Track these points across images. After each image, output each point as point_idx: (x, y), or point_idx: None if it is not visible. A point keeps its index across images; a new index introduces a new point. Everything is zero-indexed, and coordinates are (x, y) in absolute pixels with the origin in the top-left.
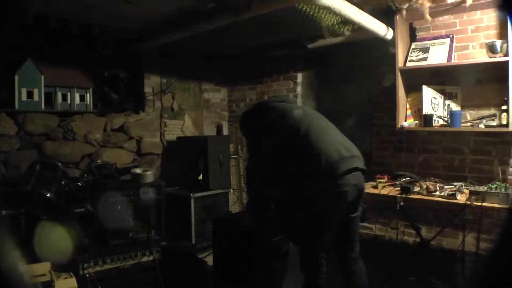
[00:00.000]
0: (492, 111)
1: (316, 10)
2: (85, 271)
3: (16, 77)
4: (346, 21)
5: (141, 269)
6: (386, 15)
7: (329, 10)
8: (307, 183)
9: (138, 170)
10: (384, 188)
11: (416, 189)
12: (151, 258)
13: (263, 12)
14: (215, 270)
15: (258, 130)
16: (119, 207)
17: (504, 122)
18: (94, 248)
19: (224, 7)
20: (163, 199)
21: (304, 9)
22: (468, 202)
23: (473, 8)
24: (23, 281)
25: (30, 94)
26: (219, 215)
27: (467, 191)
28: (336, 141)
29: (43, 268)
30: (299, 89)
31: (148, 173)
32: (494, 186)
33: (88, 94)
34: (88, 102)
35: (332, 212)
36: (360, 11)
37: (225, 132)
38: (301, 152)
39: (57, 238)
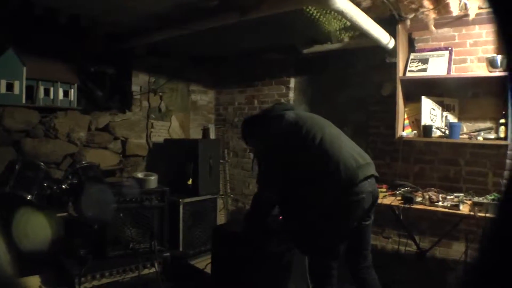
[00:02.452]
0: (488, 124)
1: (324, 14)
2: (82, 286)
3: None
4: (348, 28)
5: (142, 282)
6: (387, 25)
7: (341, 14)
8: (324, 191)
9: (140, 175)
10: (385, 197)
11: (418, 199)
12: (152, 270)
13: (273, 12)
14: (214, 281)
15: (269, 140)
16: (121, 215)
17: (502, 135)
18: (91, 260)
19: (229, 5)
20: (166, 206)
21: (311, 12)
22: (471, 213)
23: (472, 22)
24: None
25: (10, 87)
26: (211, 222)
27: (469, 202)
28: (350, 149)
29: (31, 282)
30: (291, 94)
31: (152, 178)
32: (491, 197)
33: (72, 90)
34: (72, 98)
35: (349, 220)
36: (368, 18)
37: (212, 135)
38: (318, 160)
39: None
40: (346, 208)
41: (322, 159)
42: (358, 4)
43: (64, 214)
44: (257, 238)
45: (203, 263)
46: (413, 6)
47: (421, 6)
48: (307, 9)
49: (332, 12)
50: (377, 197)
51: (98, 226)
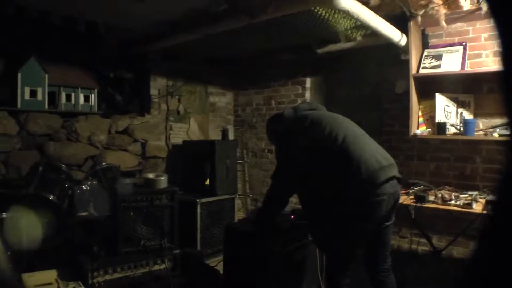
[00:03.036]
0: (505, 120)
1: (332, 14)
2: (95, 280)
3: (19, 75)
4: (359, 26)
5: (153, 278)
6: (399, 21)
7: (348, 14)
8: (346, 192)
9: (151, 175)
10: None
11: (431, 197)
12: (163, 266)
13: (280, 15)
14: (226, 279)
15: (292, 138)
16: (131, 214)
17: None
18: (103, 256)
19: (238, 9)
20: (176, 206)
21: (319, 13)
22: (484, 212)
23: (486, 16)
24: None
25: (33, 93)
26: (229, 221)
27: (482, 201)
28: (373, 149)
29: (49, 276)
30: (307, 94)
31: (162, 178)
32: None
33: (92, 95)
34: (92, 103)
35: (369, 221)
36: (377, 16)
37: (231, 136)
38: (340, 161)
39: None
40: (367, 209)
41: (344, 158)
42: (366, 3)
43: (85, 213)
44: (264, 236)
45: (221, 262)
46: (422, 2)
47: (431, 1)
48: (315, 10)
49: (339, 12)
50: (398, 199)
51: (111, 224)
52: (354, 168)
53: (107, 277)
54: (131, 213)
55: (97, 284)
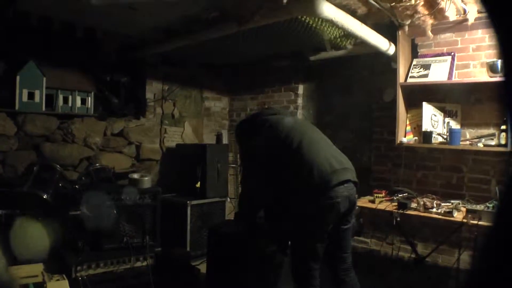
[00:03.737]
0: (491, 130)
1: (319, 23)
2: (78, 274)
3: (18, 77)
4: (348, 35)
5: (134, 274)
6: (389, 30)
7: (332, 23)
8: (299, 194)
9: (135, 175)
10: (381, 202)
11: (413, 205)
12: (144, 263)
13: (266, 23)
14: (207, 278)
15: (251, 141)
16: (115, 211)
17: (503, 142)
18: (87, 251)
19: (228, 17)
20: (159, 205)
21: (307, 21)
22: (464, 220)
23: (475, 27)
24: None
25: (31, 95)
26: (214, 223)
27: (464, 209)
28: (328, 154)
29: (35, 269)
30: (299, 100)
31: (146, 178)
32: (491, 205)
33: (89, 98)
34: (89, 106)
35: (323, 222)
36: (363, 25)
37: (225, 141)
38: (294, 164)
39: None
40: (320, 211)
41: (298, 162)
42: (353, 12)
43: (78, 212)
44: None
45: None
46: (408, 12)
47: (416, 12)
48: (302, 18)
49: (326, 21)
50: (354, 202)
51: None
52: (306, 171)
53: (91, 271)
54: (115, 211)
55: (80, 278)
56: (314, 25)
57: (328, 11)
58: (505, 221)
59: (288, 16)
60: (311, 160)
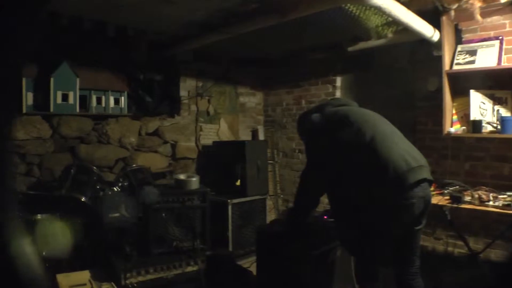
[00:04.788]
0: None
1: (363, 10)
2: (127, 281)
3: (52, 80)
4: (391, 23)
5: (185, 279)
6: (431, 16)
7: (379, 10)
8: (372, 194)
9: (182, 176)
10: (432, 196)
11: (467, 198)
12: (195, 268)
13: (311, 12)
14: (259, 281)
15: (318, 134)
16: (163, 215)
17: None
18: (136, 257)
19: (268, 8)
20: (208, 206)
21: (350, 9)
22: None
23: None
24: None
25: (65, 97)
26: (260, 222)
27: None
28: (402, 149)
29: (82, 277)
30: (338, 93)
31: (193, 179)
32: None
33: (122, 97)
34: (122, 106)
35: (397, 225)
36: (409, 11)
37: (261, 137)
38: (367, 160)
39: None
40: (394, 213)
41: (371, 159)
42: None
43: (117, 215)
44: (296, 237)
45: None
46: None
47: None
48: (346, 7)
49: (371, 8)
50: (429, 203)
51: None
52: (381, 170)
53: (140, 278)
54: (163, 214)
55: (130, 285)
56: (357, 13)
57: None
58: None
59: (335, 4)
60: (386, 156)
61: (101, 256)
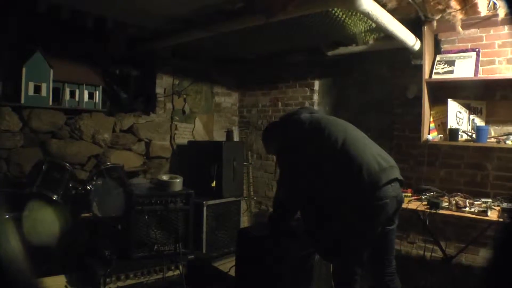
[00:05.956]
0: None
1: (349, 16)
2: (106, 287)
3: (24, 69)
4: (373, 29)
5: (166, 284)
6: (412, 25)
7: (367, 16)
8: (347, 196)
9: (165, 177)
10: (411, 202)
11: (444, 204)
12: (176, 272)
13: (298, 14)
14: (238, 284)
15: (289, 142)
16: (146, 217)
17: None
18: (116, 261)
19: (254, 8)
20: (192, 209)
21: (337, 14)
22: (500, 219)
23: (501, 22)
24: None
25: (37, 89)
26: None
27: (497, 208)
28: (373, 152)
29: (57, 281)
30: (315, 97)
31: (177, 180)
32: None
33: (97, 92)
34: (97, 100)
35: (372, 225)
36: (394, 19)
37: (235, 138)
38: (340, 164)
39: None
40: (369, 213)
41: (345, 162)
42: (383, 6)
43: (89, 214)
44: (279, 241)
45: (227, 265)
46: (440, 7)
47: (448, 6)
48: (333, 11)
49: (358, 14)
50: (401, 202)
51: (121, 227)
52: (356, 172)
53: (120, 283)
54: (146, 217)
55: None
56: (343, 18)
57: (367, 4)
58: None
59: (323, 7)
60: (359, 159)
61: (75, 259)
